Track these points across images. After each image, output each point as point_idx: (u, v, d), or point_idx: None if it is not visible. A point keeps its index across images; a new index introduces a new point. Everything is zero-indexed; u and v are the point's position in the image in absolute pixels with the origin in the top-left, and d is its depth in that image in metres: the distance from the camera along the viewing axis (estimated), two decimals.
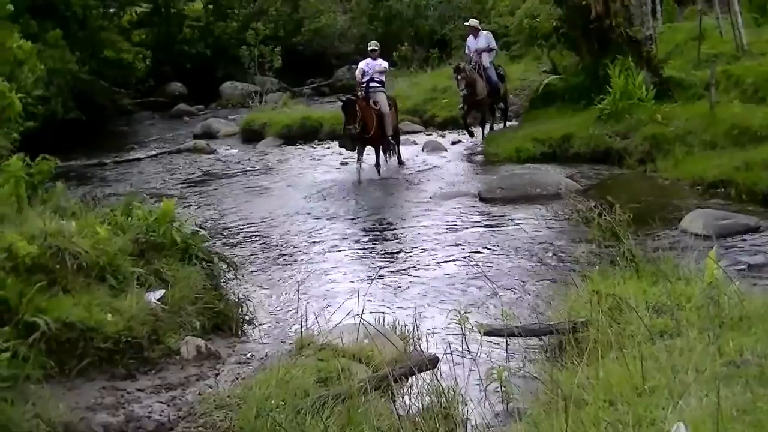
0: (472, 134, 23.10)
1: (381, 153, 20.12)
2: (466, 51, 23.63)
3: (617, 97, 19.56)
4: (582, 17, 21.55)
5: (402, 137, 23.15)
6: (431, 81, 30.72)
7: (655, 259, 9.34)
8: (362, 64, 20.75)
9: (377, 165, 19.72)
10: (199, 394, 7.29)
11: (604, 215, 9.34)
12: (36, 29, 25.92)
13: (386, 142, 20.30)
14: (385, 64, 20.91)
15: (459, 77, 22.13)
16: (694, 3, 29.35)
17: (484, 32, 23.71)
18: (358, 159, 19.84)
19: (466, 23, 24.37)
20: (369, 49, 21.08)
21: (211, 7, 44.15)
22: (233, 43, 40.59)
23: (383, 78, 20.66)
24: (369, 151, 20.07)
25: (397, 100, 22.86)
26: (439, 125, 26.79)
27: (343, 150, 20.78)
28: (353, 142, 19.75)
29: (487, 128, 23.46)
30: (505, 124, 24.31)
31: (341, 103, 19.80)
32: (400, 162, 21.01)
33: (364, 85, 20.17)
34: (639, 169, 17.83)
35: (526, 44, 32.43)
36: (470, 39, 23.49)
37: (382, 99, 20.19)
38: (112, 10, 38.98)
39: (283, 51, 37.85)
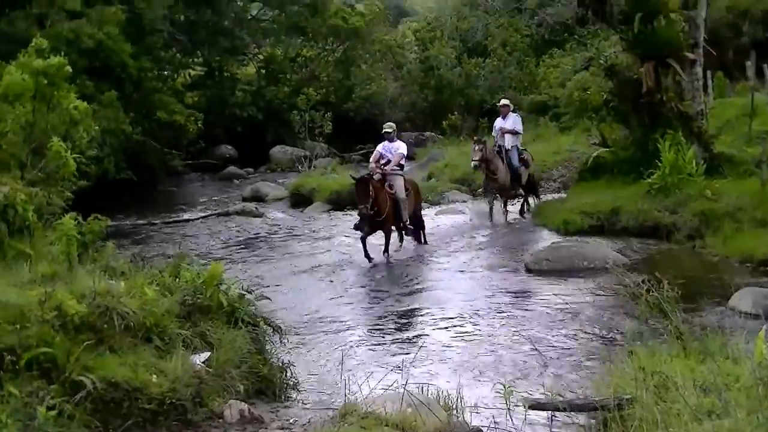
0: (490, 216, 22.43)
1: (390, 238, 18.84)
2: (494, 132, 23.30)
3: (667, 171, 19.45)
4: (633, 91, 21.57)
5: (450, 205, 23.19)
6: None
7: (702, 337, 9.23)
8: (379, 148, 19.61)
9: (385, 251, 18.50)
10: None
11: (652, 291, 9.26)
12: (92, 90, 26.34)
13: (401, 227, 19.37)
14: (403, 148, 19.70)
15: (476, 147, 21.73)
16: (746, 79, 29.27)
17: (514, 114, 23.17)
18: (362, 240, 18.16)
19: (498, 104, 24.02)
20: (384, 131, 19.66)
21: (263, 71, 44.73)
22: (284, 108, 41.07)
23: (402, 162, 19.79)
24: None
25: (418, 184, 22.06)
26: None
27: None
28: (366, 224, 18.33)
29: (509, 210, 22.82)
30: (523, 208, 23.54)
31: (354, 182, 18.60)
32: (425, 242, 20.04)
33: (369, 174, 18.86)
34: (688, 245, 17.65)
35: (576, 116, 32.57)
36: (499, 119, 23.08)
37: (398, 184, 19.10)
38: (166, 73, 39.60)
39: (334, 116, 38.22)
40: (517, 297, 14.61)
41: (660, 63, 21.02)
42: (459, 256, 18.67)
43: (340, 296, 15.35)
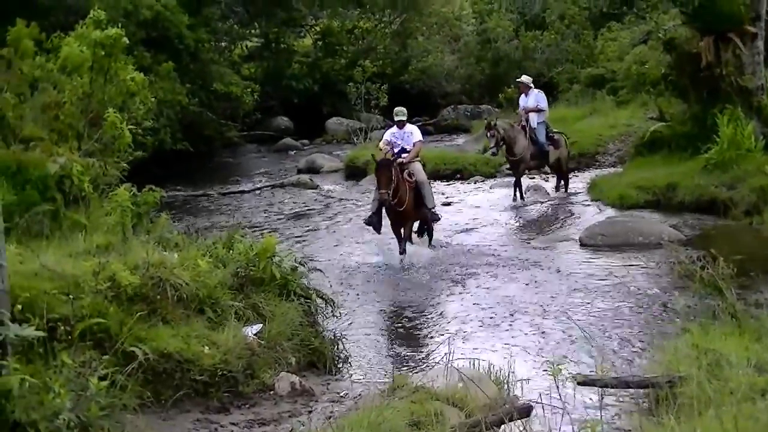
0: (515, 197, 21.52)
1: (409, 232, 16.69)
2: (519, 110, 22.57)
3: (725, 146, 19.15)
4: (692, 65, 21.25)
5: (505, 179, 23.09)
6: None
7: (758, 315, 9.13)
8: (387, 135, 17.28)
9: (402, 250, 16.15)
10: (292, 431, 7.30)
11: (707, 268, 9.17)
12: (149, 61, 26.46)
13: (425, 215, 16.78)
14: (418, 134, 17.24)
15: (489, 134, 21.28)
16: None
17: (535, 91, 22.38)
18: (400, 246, 16.25)
19: (518, 79, 23.26)
20: (396, 117, 17.18)
21: (320, 43, 44.62)
22: (340, 80, 40.99)
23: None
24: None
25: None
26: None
27: (441, 189, 20.15)
28: (381, 219, 16.49)
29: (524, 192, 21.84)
30: (565, 189, 22.72)
31: (375, 165, 16.26)
32: (430, 240, 17.31)
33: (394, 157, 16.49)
34: (745, 221, 17.36)
35: (634, 90, 32.16)
36: (522, 97, 22.40)
37: (417, 168, 16.77)
38: (223, 44, 39.67)
39: (390, 89, 38.03)
40: (570, 272, 14.51)
41: (720, 37, 20.68)
42: (511, 230, 18.63)
43: (391, 270, 15.34)
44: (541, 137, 21.61)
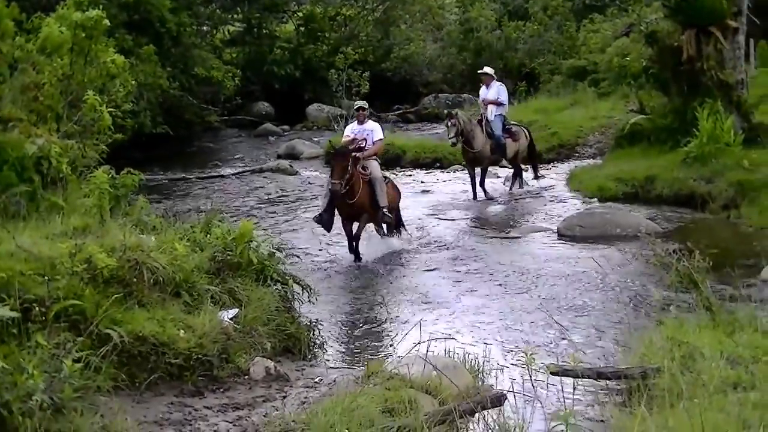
0: (475, 196, 20.90)
1: (364, 228, 15.78)
2: (479, 100, 22.17)
3: (704, 140, 19.22)
4: (673, 58, 21.32)
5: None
6: (517, 114, 30.25)
7: (732, 309, 9.19)
8: (348, 131, 16.53)
9: (353, 249, 15.38)
10: (265, 416, 7.31)
11: (683, 260, 9.22)
12: (130, 44, 26.39)
13: (378, 215, 15.74)
14: (379, 131, 16.37)
15: (449, 123, 20.56)
16: None
17: (497, 83, 21.81)
18: (350, 246, 15.44)
19: (480, 71, 22.59)
20: (355, 108, 16.85)
21: (302, 29, 44.50)
22: (322, 66, 40.89)
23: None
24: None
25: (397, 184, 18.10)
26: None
27: (421, 177, 19.88)
28: (332, 217, 15.58)
29: (483, 189, 21.09)
30: (520, 185, 22.04)
31: (332, 153, 15.93)
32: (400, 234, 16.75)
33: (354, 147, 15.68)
34: (722, 215, 17.44)
35: (615, 82, 32.25)
36: (482, 89, 21.79)
37: (374, 165, 15.96)
38: (205, 28, 39.57)
39: (371, 76, 37.94)
40: (547, 262, 14.58)
41: (702, 31, 20.75)
42: (489, 219, 18.67)
43: (370, 256, 15.37)
44: (497, 130, 21.00)
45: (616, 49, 33.38)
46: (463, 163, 22.37)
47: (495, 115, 21.08)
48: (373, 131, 16.18)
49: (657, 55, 22.65)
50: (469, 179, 21.25)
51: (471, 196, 20.92)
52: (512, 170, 22.18)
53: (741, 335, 7.93)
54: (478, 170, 21.11)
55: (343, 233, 15.64)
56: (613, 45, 34.10)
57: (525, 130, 22.53)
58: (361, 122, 16.27)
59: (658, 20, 24.24)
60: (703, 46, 20.75)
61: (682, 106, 21.09)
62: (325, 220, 15.54)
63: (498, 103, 21.19)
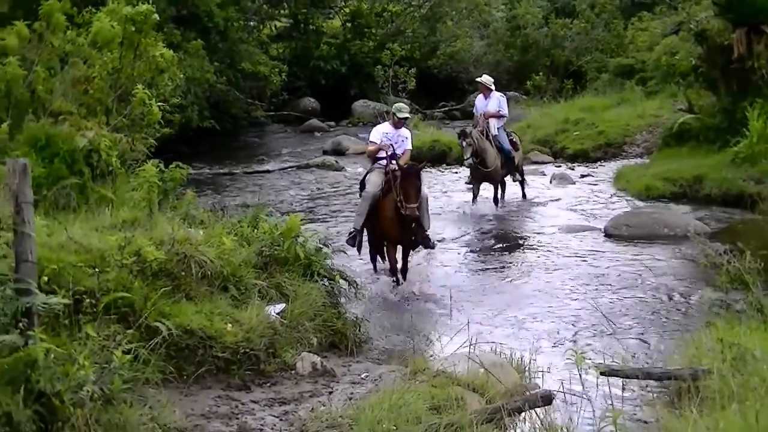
0: (474, 201, 19.54)
1: (405, 262, 13.64)
2: (474, 111, 20.51)
3: (754, 140, 19.00)
4: (723, 57, 21.10)
5: (531, 167, 22.95)
6: (564, 112, 30.28)
7: None
8: (378, 134, 14.26)
9: (398, 279, 13.51)
10: (312, 411, 7.31)
11: (733, 261, 9.12)
12: (178, 38, 26.53)
13: (419, 239, 13.58)
14: (410, 141, 14.49)
15: (464, 143, 18.83)
16: None
17: (497, 94, 20.05)
18: (396, 276, 13.51)
19: (478, 79, 20.80)
20: (397, 115, 14.37)
21: (349, 25, 44.56)
22: (368, 62, 40.92)
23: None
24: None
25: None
26: (569, 157, 26.46)
27: (467, 174, 19.47)
28: (362, 236, 13.82)
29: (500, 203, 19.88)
30: (524, 196, 20.70)
31: (400, 173, 13.17)
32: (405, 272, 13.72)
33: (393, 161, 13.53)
34: None
35: (663, 81, 31.95)
36: (479, 99, 20.18)
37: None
38: (252, 24, 39.65)
39: (417, 73, 37.95)
40: (594, 262, 14.48)
41: (753, 29, 20.53)
42: (536, 217, 18.58)
43: (416, 252, 15.33)
44: (505, 144, 19.68)
45: (664, 47, 33.08)
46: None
47: (497, 128, 19.73)
48: (407, 139, 14.35)
49: (706, 53, 22.43)
50: (472, 192, 19.83)
51: (519, 195, 20.48)
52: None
53: None
54: (484, 184, 19.96)
55: (382, 256, 14.12)
56: (662, 43, 33.79)
57: (517, 137, 21.27)
58: (397, 127, 14.33)
59: (708, 18, 23.94)
60: (754, 45, 20.51)
61: (732, 105, 20.86)
62: (360, 241, 13.83)
63: (499, 116, 19.84)
